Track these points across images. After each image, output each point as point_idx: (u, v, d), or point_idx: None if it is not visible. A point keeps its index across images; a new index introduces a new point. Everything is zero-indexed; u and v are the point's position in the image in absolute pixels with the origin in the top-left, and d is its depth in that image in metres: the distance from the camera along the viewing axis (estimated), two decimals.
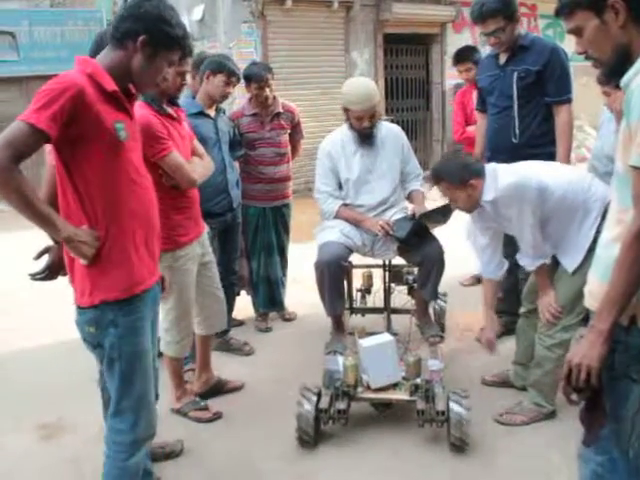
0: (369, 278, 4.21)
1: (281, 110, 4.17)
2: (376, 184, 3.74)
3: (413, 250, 3.62)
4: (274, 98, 4.14)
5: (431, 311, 3.94)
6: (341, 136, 3.79)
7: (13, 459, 2.96)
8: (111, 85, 1.98)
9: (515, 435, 2.98)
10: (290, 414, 2.91)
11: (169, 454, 2.88)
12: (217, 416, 3.22)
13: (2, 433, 3.18)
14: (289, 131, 4.25)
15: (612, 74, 1.66)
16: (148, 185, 2.16)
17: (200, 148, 3.16)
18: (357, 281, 4.19)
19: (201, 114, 3.58)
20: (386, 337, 3.04)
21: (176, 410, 3.21)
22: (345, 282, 3.78)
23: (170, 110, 2.96)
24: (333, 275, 3.52)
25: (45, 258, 2.56)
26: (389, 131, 3.83)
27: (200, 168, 3.03)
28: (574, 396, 1.67)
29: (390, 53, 10.61)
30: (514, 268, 3.83)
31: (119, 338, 2.05)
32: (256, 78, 4.02)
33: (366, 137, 3.69)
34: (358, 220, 3.70)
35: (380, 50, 10.25)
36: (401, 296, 4.10)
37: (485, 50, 4.44)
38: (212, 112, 3.67)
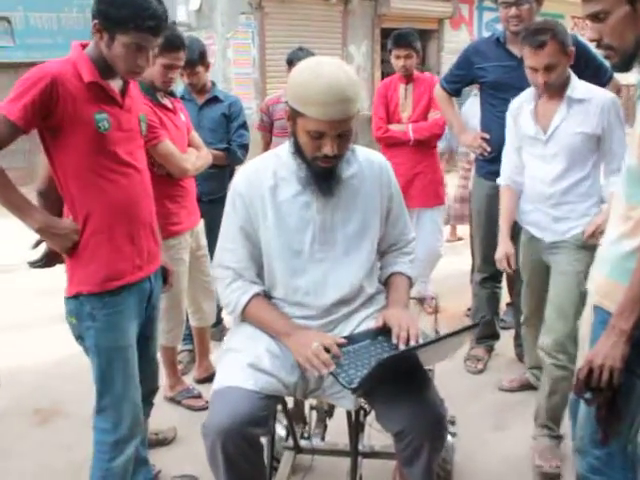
0: None
1: None
2: (333, 267, 1.98)
3: (390, 407, 1.85)
4: None
5: None
6: (274, 167, 1.99)
7: (7, 443, 2.99)
8: (88, 76, 1.91)
9: (505, 430, 3.02)
10: None
11: (162, 441, 2.91)
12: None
13: None
14: None
15: (624, 65, 1.60)
16: (137, 177, 2.08)
17: (198, 140, 3.17)
18: None
19: (182, 99, 3.52)
20: None
21: (170, 398, 3.24)
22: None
23: (165, 100, 2.97)
24: (235, 455, 1.80)
25: (43, 246, 2.57)
26: (368, 166, 2.04)
27: (194, 158, 3.04)
28: (588, 396, 1.63)
29: (387, 48, 10.60)
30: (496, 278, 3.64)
31: (97, 332, 2.02)
32: (296, 63, 4.07)
33: (323, 177, 1.90)
34: (281, 333, 1.93)
35: (377, 44, 10.26)
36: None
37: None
38: (199, 97, 3.63)
